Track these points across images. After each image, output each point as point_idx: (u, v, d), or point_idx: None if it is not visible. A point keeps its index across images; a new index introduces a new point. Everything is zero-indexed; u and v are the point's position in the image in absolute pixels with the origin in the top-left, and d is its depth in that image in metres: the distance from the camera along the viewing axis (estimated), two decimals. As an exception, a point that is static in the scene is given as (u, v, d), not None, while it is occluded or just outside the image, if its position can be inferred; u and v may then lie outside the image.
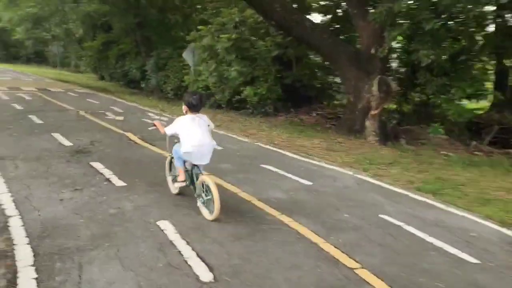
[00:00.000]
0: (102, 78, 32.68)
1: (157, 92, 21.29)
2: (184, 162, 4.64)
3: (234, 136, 9.87)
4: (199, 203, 4.48)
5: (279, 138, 10.28)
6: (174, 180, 4.88)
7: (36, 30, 37.25)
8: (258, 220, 4.40)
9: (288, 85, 14.77)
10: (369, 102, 11.28)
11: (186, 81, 17.70)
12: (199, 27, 12.66)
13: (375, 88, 10.87)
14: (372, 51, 11.01)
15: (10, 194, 4.50)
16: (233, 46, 11.59)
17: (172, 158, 4.91)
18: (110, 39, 27.68)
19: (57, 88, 18.67)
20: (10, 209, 4.08)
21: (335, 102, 17.11)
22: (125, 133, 8.65)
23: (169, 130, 4.59)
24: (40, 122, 9.22)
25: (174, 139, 4.71)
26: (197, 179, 4.49)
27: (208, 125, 4.70)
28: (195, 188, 4.53)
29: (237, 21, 11.51)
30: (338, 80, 16.51)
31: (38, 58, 53.41)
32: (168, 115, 12.53)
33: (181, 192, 4.90)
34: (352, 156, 8.59)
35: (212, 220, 4.19)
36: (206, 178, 4.37)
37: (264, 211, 4.70)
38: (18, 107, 11.48)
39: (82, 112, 11.17)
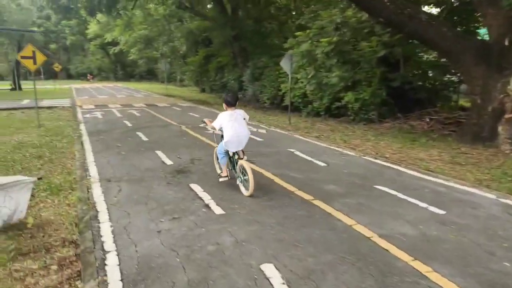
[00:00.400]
0: (203, 90, 34.50)
1: (253, 102, 21.35)
2: (227, 152, 5.70)
3: (337, 148, 8.92)
4: (238, 182, 5.61)
5: (389, 149, 9.02)
6: (219, 176, 5.93)
7: (147, 50, 41.28)
8: (384, 267, 3.46)
9: (395, 88, 13.25)
10: (502, 103, 9.34)
11: (282, 89, 17.27)
12: (297, 33, 12.04)
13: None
14: (506, 42, 9.09)
15: (110, 223, 4.33)
16: (334, 50, 10.66)
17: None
18: (210, 53, 28.99)
19: (164, 103, 19.87)
20: (109, 242, 3.86)
21: (452, 104, 14.88)
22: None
23: (215, 125, 5.67)
24: (146, 139, 9.53)
25: (220, 133, 5.73)
26: (236, 164, 5.59)
27: (244, 118, 5.70)
28: (235, 171, 5.65)
29: (338, 23, 10.55)
30: (455, 79, 14.33)
31: (149, 75, 59.21)
32: (265, 126, 12.13)
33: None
34: (485, 171, 6.99)
35: (248, 196, 5.25)
36: (243, 162, 5.42)
37: (389, 253, 3.74)
38: (128, 124, 12.22)
39: (184, 127, 11.38)
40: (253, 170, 5.47)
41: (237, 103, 5.78)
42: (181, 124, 12.06)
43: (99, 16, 46.07)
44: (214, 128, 5.84)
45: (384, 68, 12.83)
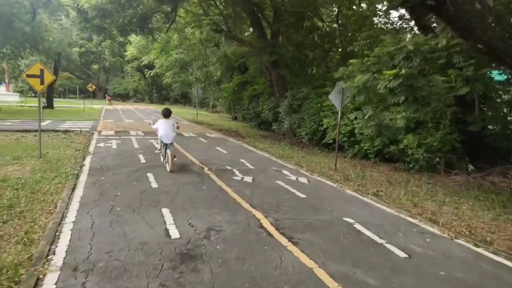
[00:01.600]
0: (235, 118, 32.80)
1: (289, 135, 19.14)
2: (161, 142, 9.66)
3: (411, 219, 6.41)
4: (163, 162, 9.50)
5: (480, 222, 6.48)
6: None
7: (182, 74, 40.51)
8: None
9: (468, 132, 10.66)
10: None
11: (325, 125, 14.99)
12: (352, 60, 9.81)
13: None
14: None
15: None
16: (402, 85, 8.30)
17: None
18: (245, 80, 27.36)
19: (190, 132, 18.01)
20: None
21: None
22: (255, 212, 6.07)
23: (155, 126, 9.79)
24: (155, 185, 7.41)
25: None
26: (166, 150, 9.32)
27: (173, 124, 9.80)
28: (165, 156, 9.41)
29: (410, 50, 8.23)
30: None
31: (183, 99, 58.76)
32: (306, 173, 9.78)
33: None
34: None
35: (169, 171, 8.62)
36: (168, 151, 9.14)
37: None
38: (142, 159, 10.25)
39: (206, 169, 9.23)
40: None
41: (172, 116, 10.31)
42: (204, 164, 9.93)
43: (137, 38, 46.46)
44: (156, 129, 9.80)
45: (455, 108, 10.32)
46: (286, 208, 6.39)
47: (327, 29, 21.81)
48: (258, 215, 5.90)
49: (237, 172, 9.05)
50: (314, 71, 21.73)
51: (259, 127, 24.69)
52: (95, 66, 70.47)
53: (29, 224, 5.20)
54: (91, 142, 13.14)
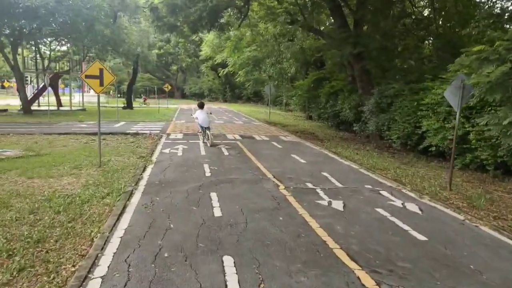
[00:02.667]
0: (309, 117, 30.65)
1: (375, 139, 16.56)
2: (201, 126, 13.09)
3: None
4: (205, 140, 12.93)
5: None
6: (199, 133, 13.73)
7: (255, 72, 39.42)
8: None
9: None
10: None
11: (424, 127, 12.29)
12: (477, 47, 7.24)
13: None
14: None
15: None
16: None
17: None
18: (321, 76, 25.10)
19: (262, 135, 16.40)
20: None
21: None
22: (357, 270, 4.08)
23: (195, 116, 13.33)
24: (218, 213, 5.77)
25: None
26: (205, 132, 12.98)
27: (207, 113, 13.42)
28: (204, 135, 13.06)
29: None
30: None
31: (256, 97, 57.95)
32: (411, 194, 7.45)
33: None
34: None
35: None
36: (208, 132, 12.88)
37: None
38: (207, 171, 8.76)
39: (282, 188, 7.40)
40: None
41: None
42: (279, 180, 8.12)
43: (210, 37, 46.50)
44: (196, 118, 13.37)
45: None
46: (403, 262, 4.29)
47: (418, 16, 18.67)
48: (364, 278, 3.89)
49: (321, 193, 7.08)
50: (404, 63, 18.74)
51: (337, 128, 22.31)
52: (174, 67, 73.07)
53: (48, 275, 3.85)
54: (157, 147, 12.14)
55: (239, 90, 62.05)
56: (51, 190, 6.95)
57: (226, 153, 11.28)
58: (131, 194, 6.75)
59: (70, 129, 16.25)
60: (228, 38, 38.69)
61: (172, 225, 5.22)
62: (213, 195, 6.73)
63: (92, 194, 6.63)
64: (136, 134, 15.23)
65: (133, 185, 7.31)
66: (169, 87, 37.37)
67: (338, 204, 6.42)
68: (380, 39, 17.14)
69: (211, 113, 14.00)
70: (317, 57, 25.46)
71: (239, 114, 30.91)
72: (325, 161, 10.72)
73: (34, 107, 29.47)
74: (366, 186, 7.89)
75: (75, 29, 22.94)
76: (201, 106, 13.79)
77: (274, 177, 8.33)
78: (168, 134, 15.33)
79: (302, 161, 10.42)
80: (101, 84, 8.98)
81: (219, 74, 57.98)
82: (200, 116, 13.10)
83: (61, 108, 32.51)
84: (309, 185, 7.71)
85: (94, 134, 14.81)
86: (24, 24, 20.23)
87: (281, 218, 5.63)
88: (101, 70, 8.92)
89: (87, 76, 8.92)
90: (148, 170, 8.74)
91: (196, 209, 5.95)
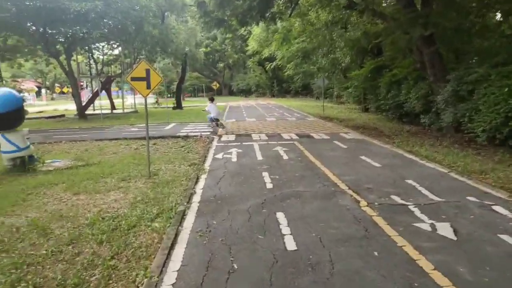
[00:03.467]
0: (366, 109, 28.51)
1: (450, 132, 14.45)
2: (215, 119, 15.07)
3: None
4: (221, 129, 15.25)
5: None
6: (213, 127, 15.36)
7: (304, 65, 37.71)
8: None
9: None
10: None
11: (523, 117, 10.18)
12: None
13: None
14: None
15: None
16: None
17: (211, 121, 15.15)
18: (380, 64, 22.94)
19: (321, 133, 14.92)
20: None
21: None
22: None
23: (208, 109, 15.40)
24: (292, 246, 4.50)
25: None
26: (218, 122, 15.30)
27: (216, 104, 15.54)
28: (218, 125, 15.18)
29: None
30: None
31: (304, 90, 56.10)
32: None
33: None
34: None
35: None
36: (221, 121, 16.00)
37: None
38: (267, 182, 7.54)
39: (364, 205, 5.97)
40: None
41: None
42: (356, 192, 6.70)
43: (257, 31, 45.34)
44: (209, 111, 15.19)
45: None
46: None
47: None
48: None
49: (417, 212, 5.57)
50: (483, 44, 16.25)
51: (400, 120, 20.17)
52: (221, 65, 73.10)
53: None
54: (209, 151, 11.17)
55: (286, 84, 60.54)
56: (96, 209, 6.13)
57: (285, 156, 10.01)
58: (183, 215, 5.71)
59: (121, 134, 15.88)
60: (276, 30, 37.36)
61: (235, 265, 4.06)
62: (281, 216, 5.49)
63: (140, 216, 5.69)
64: (186, 136, 14.45)
65: (185, 203, 6.28)
66: (217, 85, 36.83)
67: (445, 229, 4.90)
68: (456, 17, 14.89)
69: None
70: (374, 43, 23.30)
71: (290, 110, 29.49)
72: (403, 163, 9.08)
73: (90, 111, 30.23)
74: (469, 198, 6.24)
75: (125, 31, 22.81)
76: (211, 100, 15.45)
77: (349, 188, 6.92)
78: (220, 136, 14.37)
79: (376, 164, 8.87)
80: (148, 86, 8.09)
81: (266, 69, 56.82)
82: (212, 109, 14.94)
83: (114, 111, 33.15)
84: (397, 199, 6.22)
85: (145, 138, 14.29)
86: (76, 30, 20.33)
87: (376, 254, 4.25)
88: (147, 71, 8.03)
89: (133, 79, 8.07)
90: (201, 182, 7.71)
91: (263, 239, 4.75)
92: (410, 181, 7.31)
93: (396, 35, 17.20)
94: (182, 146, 12.39)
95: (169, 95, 60.10)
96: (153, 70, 8.09)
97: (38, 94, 64.25)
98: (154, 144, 13.02)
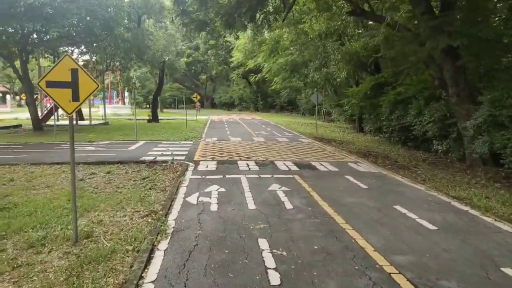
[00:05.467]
0: (361, 130, 25.98)
1: (477, 163, 11.82)
2: None
3: None
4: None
5: None
6: None
7: (292, 79, 35.12)
8: None
9: None
10: None
11: None
12: None
13: None
14: None
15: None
16: None
17: None
18: (382, 81, 20.43)
19: (324, 162, 11.96)
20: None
21: None
22: None
23: None
24: None
25: None
26: None
27: None
28: None
29: None
30: None
31: (289, 106, 53.59)
32: None
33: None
34: None
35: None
36: None
37: None
38: (270, 266, 4.48)
39: None
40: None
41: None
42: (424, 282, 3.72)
43: (242, 42, 42.72)
44: None
45: None
46: None
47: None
48: None
49: None
50: None
51: (404, 144, 17.61)
52: (203, 76, 70.01)
53: None
54: (179, 189, 8.01)
55: (271, 99, 57.99)
56: None
57: (287, 204, 6.95)
58: None
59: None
60: (263, 42, 34.84)
61: None
62: None
63: None
64: (153, 162, 11.24)
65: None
66: (198, 97, 33.66)
67: None
68: (487, 28, 12.39)
69: None
70: (374, 58, 20.85)
71: (278, 127, 26.60)
72: (464, 223, 6.16)
73: (52, 121, 26.57)
74: None
75: (90, 32, 19.54)
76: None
77: (412, 284, 3.93)
78: (197, 163, 11.20)
79: (428, 225, 5.92)
80: (76, 97, 4.96)
81: (251, 81, 54.16)
82: None
83: (81, 122, 29.50)
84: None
85: (100, 163, 11.01)
86: (29, 27, 16.96)
87: None
88: (74, 73, 4.92)
89: (49, 84, 4.92)
90: (157, 261, 4.55)
91: None
92: (505, 270, 4.39)
93: (410, 48, 14.67)
94: (144, 178, 9.18)
95: (147, 106, 56.49)
96: (84, 72, 4.98)
97: (3, 100, 59.46)
98: (108, 173, 9.76)
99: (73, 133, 5.20)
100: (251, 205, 6.83)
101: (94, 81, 5.07)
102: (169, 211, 6.48)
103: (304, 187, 8.32)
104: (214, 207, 6.72)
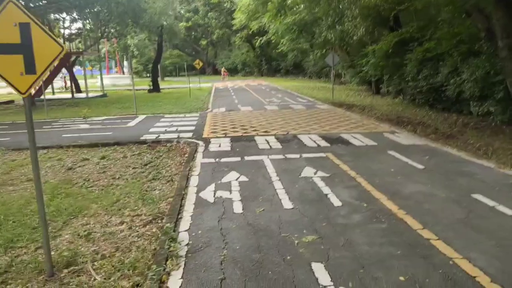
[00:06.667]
0: (377, 92, 24.00)
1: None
2: None
3: None
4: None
5: None
6: None
7: (301, 40, 32.66)
8: None
9: None
10: None
11: None
12: None
13: None
14: None
15: None
16: None
17: None
18: (407, 37, 18.21)
19: (355, 133, 10.25)
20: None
21: None
22: None
23: None
24: None
25: None
26: None
27: None
28: None
29: None
30: None
31: (296, 70, 51.08)
32: None
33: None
34: None
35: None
36: None
37: None
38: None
39: None
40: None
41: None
42: None
43: (246, 1, 39.77)
44: None
45: None
46: None
47: None
48: None
49: None
50: None
51: (432, 107, 15.70)
52: (204, 42, 66.90)
53: None
54: (190, 180, 6.40)
55: (276, 63, 55.32)
56: None
57: (334, 199, 5.31)
58: None
59: (60, 136, 10.90)
60: (267, 1, 32.12)
61: None
62: None
63: None
64: (156, 142, 9.59)
65: None
66: (200, 64, 31.49)
67: None
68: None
69: None
70: (397, 11, 18.53)
71: (289, 93, 24.66)
72: None
73: (48, 95, 24.82)
74: None
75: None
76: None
77: None
78: (207, 141, 9.53)
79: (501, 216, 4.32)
80: (30, 68, 3.22)
81: (255, 45, 51.33)
82: None
83: (77, 95, 27.67)
84: None
85: (94, 146, 9.39)
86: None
87: None
88: (24, 29, 3.15)
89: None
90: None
91: None
92: None
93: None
94: (146, 164, 7.57)
95: (147, 75, 54.15)
96: (40, 27, 3.21)
97: None
98: (103, 158, 8.16)
99: (32, 124, 3.48)
100: (286, 203, 5.21)
101: (56, 40, 3.31)
102: (179, 216, 4.89)
103: (345, 170, 6.67)
104: (238, 207, 5.12)
